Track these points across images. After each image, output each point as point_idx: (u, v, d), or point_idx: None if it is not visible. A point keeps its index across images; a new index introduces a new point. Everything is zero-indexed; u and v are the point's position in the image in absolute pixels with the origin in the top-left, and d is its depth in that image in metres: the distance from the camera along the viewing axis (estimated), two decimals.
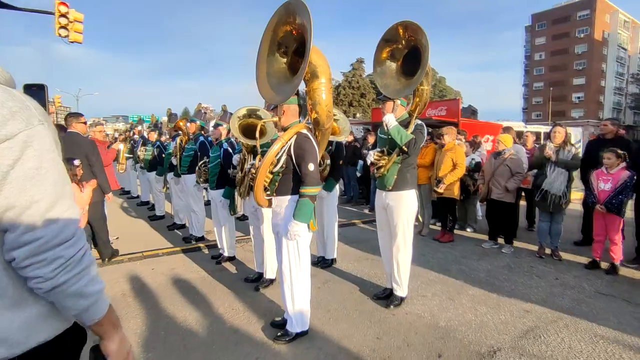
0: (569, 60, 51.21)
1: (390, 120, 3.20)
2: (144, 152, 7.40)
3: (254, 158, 3.74)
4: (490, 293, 3.71)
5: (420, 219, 6.13)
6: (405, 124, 3.27)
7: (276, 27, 2.67)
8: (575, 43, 50.55)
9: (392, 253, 3.40)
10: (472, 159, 6.07)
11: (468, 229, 6.32)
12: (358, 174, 8.69)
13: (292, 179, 2.70)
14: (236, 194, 4.38)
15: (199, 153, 4.97)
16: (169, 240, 5.69)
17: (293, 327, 2.80)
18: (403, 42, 3.19)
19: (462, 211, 6.47)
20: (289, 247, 2.70)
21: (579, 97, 51.07)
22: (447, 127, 5.88)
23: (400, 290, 3.42)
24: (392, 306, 3.36)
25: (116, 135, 15.31)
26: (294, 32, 2.66)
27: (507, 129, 6.18)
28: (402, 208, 3.26)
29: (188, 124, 5.32)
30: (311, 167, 2.60)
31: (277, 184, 2.74)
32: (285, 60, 2.79)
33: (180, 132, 5.61)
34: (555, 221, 4.71)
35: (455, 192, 5.56)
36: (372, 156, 3.38)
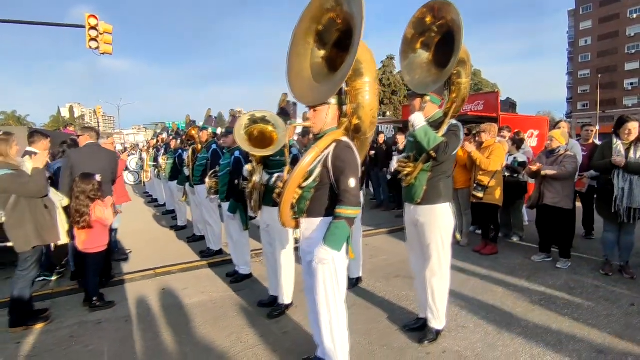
0: (620, 43, 47.13)
1: (417, 119, 2.64)
2: (165, 161, 7.24)
3: (265, 169, 3.34)
4: (548, 324, 3.06)
5: (458, 236, 5.45)
6: (437, 124, 2.71)
7: (317, 13, 2.22)
8: (627, 24, 46.40)
9: (425, 277, 2.85)
10: (515, 158, 5.33)
11: (514, 238, 5.58)
12: (388, 177, 8.10)
13: (327, 197, 2.21)
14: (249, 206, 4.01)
15: (210, 162, 4.64)
16: (186, 253, 5.41)
17: None
18: (434, 28, 2.65)
19: (507, 217, 5.74)
20: (326, 278, 2.20)
21: (632, 83, 46.92)
22: (487, 124, 5.22)
23: (436, 322, 2.86)
24: (426, 342, 2.82)
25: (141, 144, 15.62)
26: (338, 20, 2.20)
27: (559, 124, 5.40)
28: (435, 225, 2.71)
29: (200, 132, 5.01)
30: (352, 183, 2.10)
31: (307, 202, 2.23)
32: (323, 53, 2.34)
33: (194, 140, 5.32)
34: (626, 231, 3.93)
35: (497, 197, 4.88)
36: (395, 162, 2.84)
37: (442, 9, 2.48)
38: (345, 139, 2.24)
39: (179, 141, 6.98)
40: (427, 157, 2.63)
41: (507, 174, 5.23)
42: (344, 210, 2.09)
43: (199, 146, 5.10)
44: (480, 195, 4.90)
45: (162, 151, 7.87)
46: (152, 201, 10.64)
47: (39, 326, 3.30)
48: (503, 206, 5.30)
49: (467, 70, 2.72)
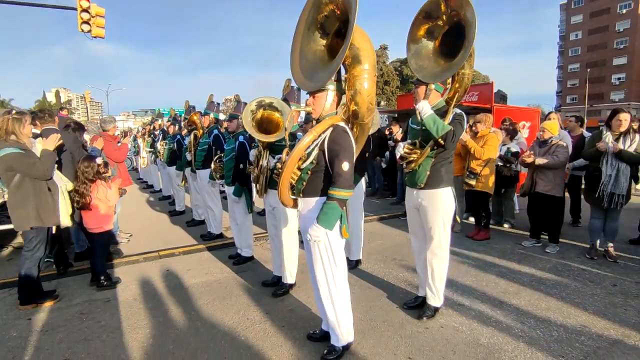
0: (609, 38, 47.68)
1: (425, 108, 2.76)
2: (163, 146, 7.25)
3: (271, 154, 3.44)
4: (538, 302, 3.26)
5: (458, 219, 5.63)
6: (442, 113, 2.83)
7: (317, 3, 2.33)
8: (617, 19, 46.91)
9: (426, 258, 3.01)
10: (508, 148, 5.51)
11: (505, 225, 5.79)
12: (383, 165, 8.26)
13: (322, 179, 2.33)
14: (254, 190, 4.10)
15: (213, 147, 4.71)
16: (186, 237, 5.50)
17: (339, 341, 2.48)
18: (444, 17, 2.73)
19: (498, 205, 5.94)
20: (322, 254, 2.35)
21: (619, 78, 47.65)
22: (482, 114, 5.36)
23: (435, 300, 3.03)
24: (424, 317, 2.99)
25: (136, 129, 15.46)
26: (337, 11, 2.31)
27: (550, 115, 5.59)
28: (437, 208, 2.86)
29: (202, 117, 5.06)
30: (345, 166, 2.23)
31: (304, 183, 2.36)
32: (324, 41, 2.45)
33: (195, 126, 5.35)
34: (611, 218, 4.15)
35: (490, 185, 5.06)
36: (402, 149, 2.97)
37: (460, 4, 2.55)
38: (342, 124, 2.36)
39: (177, 127, 7.01)
40: (435, 143, 2.76)
41: (500, 163, 5.40)
42: (336, 192, 2.23)
43: (201, 131, 5.15)
44: (472, 182, 5.08)
45: (160, 137, 7.87)
46: (146, 187, 10.64)
47: (48, 304, 3.37)
48: (495, 194, 5.50)
49: (471, 62, 2.83)
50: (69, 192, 3.80)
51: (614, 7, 46.97)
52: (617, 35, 47.18)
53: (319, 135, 2.31)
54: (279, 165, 2.54)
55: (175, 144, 6.59)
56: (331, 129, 2.31)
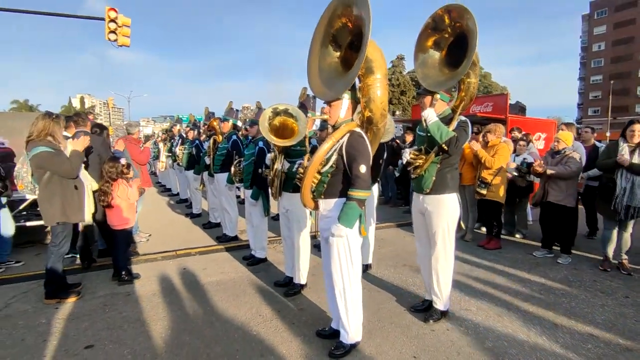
0: (634, 49, 46.58)
1: (430, 115, 2.88)
2: (182, 151, 7.52)
3: (285, 158, 3.59)
4: (546, 310, 3.28)
5: (463, 225, 5.67)
6: (447, 120, 2.94)
7: (331, 19, 2.52)
8: None
9: (431, 263, 3.09)
10: (524, 159, 5.51)
11: (517, 235, 5.78)
12: (396, 174, 8.33)
13: (342, 181, 2.50)
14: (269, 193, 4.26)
15: (232, 152, 4.90)
16: (203, 238, 5.69)
17: (347, 339, 2.60)
18: (449, 29, 2.87)
19: (511, 215, 5.93)
20: (340, 252, 2.49)
21: None
22: (492, 124, 5.41)
23: (441, 304, 3.10)
24: (431, 320, 3.05)
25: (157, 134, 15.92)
26: (349, 24, 2.51)
27: (567, 126, 5.57)
28: (442, 214, 2.94)
29: (221, 123, 5.27)
30: (363, 169, 2.39)
31: (325, 185, 2.52)
32: (338, 54, 2.64)
33: (215, 131, 5.58)
34: (624, 229, 4.13)
35: (500, 194, 5.07)
36: (408, 155, 3.08)
37: (461, 13, 2.69)
38: (358, 129, 2.52)
39: (196, 132, 7.27)
40: (439, 149, 2.87)
41: (515, 173, 5.39)
42: (355, 193, 2.38)
43: (220, 137, 5.36)
44: (483, 192, 5.10)
45: (178, 142, 8.16)
46: (164, 190, 10.99)
47: (70, 300, 3.51)
48: (508, 204, 5.50)
49: (476, 71, 2.94)
50: (94, 192, 4.04)
51: None
52: None
53: (338, 141, 2.47)
54: (300, 170, 2.71)
55: (194, 148, 6.83)
56: (348, 134, 2.47)
